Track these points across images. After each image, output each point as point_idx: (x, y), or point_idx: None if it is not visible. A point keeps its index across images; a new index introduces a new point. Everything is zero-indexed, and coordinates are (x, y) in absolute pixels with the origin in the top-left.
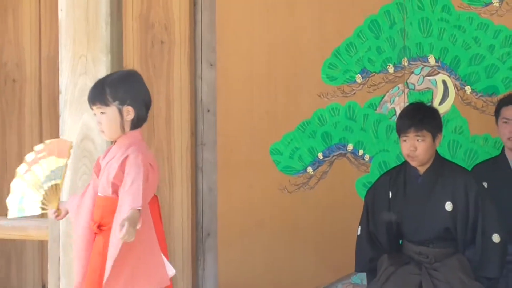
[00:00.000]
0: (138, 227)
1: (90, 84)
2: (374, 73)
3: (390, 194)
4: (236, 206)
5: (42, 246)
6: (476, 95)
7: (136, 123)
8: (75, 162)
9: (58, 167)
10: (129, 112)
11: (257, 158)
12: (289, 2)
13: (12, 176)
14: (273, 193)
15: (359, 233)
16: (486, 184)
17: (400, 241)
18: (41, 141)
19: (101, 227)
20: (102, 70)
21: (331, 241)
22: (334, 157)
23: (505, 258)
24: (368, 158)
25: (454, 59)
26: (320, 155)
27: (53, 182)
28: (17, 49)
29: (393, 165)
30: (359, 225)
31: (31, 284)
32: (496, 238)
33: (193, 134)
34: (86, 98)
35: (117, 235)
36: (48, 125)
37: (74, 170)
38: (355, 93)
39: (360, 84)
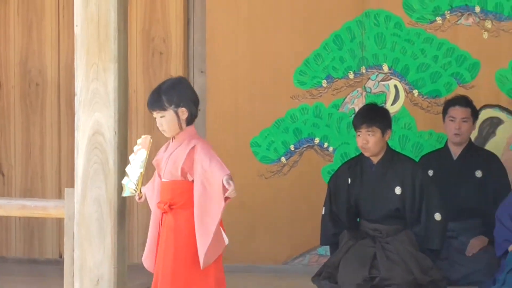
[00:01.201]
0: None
1: (101, 88)
2: (337, 79)
3: (349, 180)
4: None
5: (59, 222)
6: (422, 97)
7: (190, 120)
8: (87, 152)
9: (143, 159)
10: (184, 112)
11: (239, 150)
12: (267, 21)
13: (35, 164)
14: (252, 179)
15: (323, 212)
16: (432, 172)
17: (358, 219)
18: (59, 135)
19: (171, 206)
20: (110, 76)
21: (301, 219)
22: (304, 149)
23: (446, 233)
24: (332, 149)
25: (404, 67)
26: (292, 147)
27: (141, 170)
28: (39, 58)
29: (353, 155)
30: (324, 205)
31: (50, 254)
32: (438, 216)
33: None
34: (97, 99)
35: (212, 209)
36: (65, 122)
37: (87, 160)
38: (321, 95)
39: (325, 88)
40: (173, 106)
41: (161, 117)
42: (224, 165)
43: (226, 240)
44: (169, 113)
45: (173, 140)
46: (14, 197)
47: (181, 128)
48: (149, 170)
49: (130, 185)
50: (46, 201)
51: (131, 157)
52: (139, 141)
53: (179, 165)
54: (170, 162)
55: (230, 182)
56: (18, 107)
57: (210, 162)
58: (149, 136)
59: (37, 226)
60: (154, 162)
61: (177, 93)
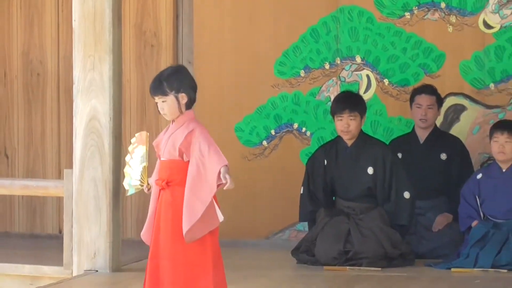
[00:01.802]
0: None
1: (97, 77)
2: (314, 69)
3: (326, 162)
4: None
5: (59, 201)
6: (392, 86)
7: (189, 105)
8: (85, 137)
9: (143, 153)
10: (184, 98)
11: (225, 134)
12: (249, 16)
13: (36, 147)
14: (237, 161)
15: (301, 191)
16: (401, 154)
17: (333, 198)
18: (59, 121)
19: (168, 183)
20: (106, 66)
21: (281, 198)
22: (283, 133)
23: (414, 210)
24: (309, 134)
25: (376, 58)
26: (273, 132)
27: (143, 164)
28: (40, 50)
29: (329, 139)
30: (302, 185)
31: (51, 230)
32: (406, 195)
33: None
34: (93, 88)
35: (202, 193)
36: (64, 109)
37: (84, 143)
38: (299, 84)
39: (303, 77)
40: (173, 91)
41: (162, 101)
42: (222, 154)
43: (221, 217)
44: (170, 98)
45: (173, 123)
46: (17, 178)
47: (181, 112)
48: (152, 164)
49: (133, 182)
50: (46, 181)
51: (127, 158)
52: (133, 140)
53: (177, 145)
54: (169, 142)
55: (227, 176)
56: (21, 95)
57: (209, 148)
58: (144, 132)
59: (38, 204)
60: (154, 143)
61: (177, 80)
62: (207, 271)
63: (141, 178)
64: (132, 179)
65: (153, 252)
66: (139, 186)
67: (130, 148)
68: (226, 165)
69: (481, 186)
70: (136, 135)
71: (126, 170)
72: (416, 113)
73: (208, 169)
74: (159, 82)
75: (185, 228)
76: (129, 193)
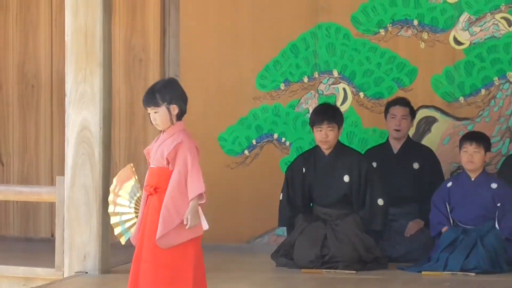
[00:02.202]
0: (202, 202)
1: (88, 89)
2: (293, 83)
3: (304, 170)
4: None
5: (51, 206)
6: (367, 99)
7: (180, 116)
8: (76, 145)
9: (132, 187)
10: (175, 109)
11: (209, 143)
12: (233, 32)
13: (30, 155)
14: (220, 169)
15: (281, 198)
16: (375, 163)
17: (311, 204)
18: (52, 130)
19: (156, 190)
20: (96, 79)
21: (262, 204)
22: (264, 143)
23: (387, 216)
24: (288, 143)
25: (352, 72)
26: (254, 142)
27: (137, 196)
28: (35, 63)
29: (307, 148)
30: (281, 192)
31: (43, 233)
32: (380, 202)
33: None
34: (85, 99)
35: (180, 206)
36: (57, 119)
37: (75, 152)
38: (279, 97)
39: (283, 90)
40: (165, 103)
41: (155, 112)
42: (201, 178)
43: (206, 226)
44: (162, 109)
45: (164, 133)
46: (12, 184)
47: (172, 122)
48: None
49: (127, 224)
50: (40, 187)
51: (111, 198)
52: (115, 180)
53: (165, 154)
54: (158, 151)
55: (188, 219)
56: (16, 105)
57: (191, 168)
58: (128, 166)
59: (32, 209)
60: (145, 151)
61: (169, 92)
62: (188, 275)
63: (135, 210)
64: (125, 223)
65: (136, 255)
66: (135, 218)
67: (112, 188)
68: (201, 194)
69: (451, 194)
70: (120, 172)
71: (114, 216)
72: (391, 124)
73: (188, 185)
74: (152, 94)
75: (157, 235)
76: (125, 240)
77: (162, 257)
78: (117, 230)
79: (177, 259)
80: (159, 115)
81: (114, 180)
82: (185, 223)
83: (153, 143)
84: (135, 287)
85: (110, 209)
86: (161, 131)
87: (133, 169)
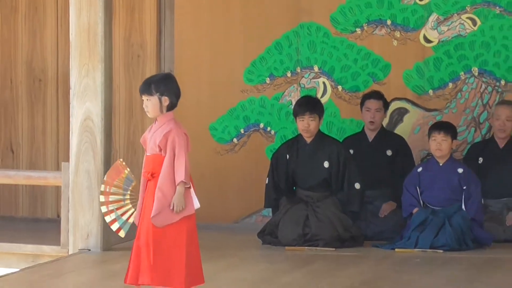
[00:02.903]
0: (187, 186)
1: (91, 83)
2: (278, 77)
3: (288, 156)
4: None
5: (57, 189)
6: (345, 92)
7: (170, 108)
8: (80, 134)
9: (125, 179)
10: (166, 101)
11: (201, 132)
12: (223, 31)
13: (38, 143)
14: (211, 156)
15: (267, 182)
16: (352, 151)
17: (294, 187)
18: (58, 121)
19: (153, 175)
20: (98, 74)
21: (249, 187)
22: (251, 132)
23: (363, 198)
24: (273, 132)
25: (331, 68)
26: (242, 131)
27: (131, 185)
28: (42, 59)
29: (290, 137)
30: (267, 176)
31: (50, 214)
32: (357, 185)
33: None
34: (88, 92)
35: (167, 188)
36: (62, 110)
37: (79, 140)
38: (265, 90)
39: (268, 84)
40: (158, 93)
41: (147, 100)
42: (184, 167)
43: (197, 205)
44: (154, 98)
45: (156, 122)
46: (21, 169)
47: (161, 112)
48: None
49: (125, 216)
50: (47, 172)
51: (105, 200)
52: (105, 178)
53: (157, 142)
54: (152, 139)
55: (174, 205)
56: (24, 98)
57: (177, 157)
58: (117, 162)
59: (39, 192)
60: (141, 140)
61: (163, 84)
62: (181, 251)
63: (131, 199)
64: (122, 216)
65: (138, 234)
66: (132, 208)
67: (102, 189)
68: (182, 181)
69: (421, 178)
70: (109, 171)
71: (108, 215)
72: (366, 116)
73: (175, 170)
74: (148, 83)
75: (152, 214)
76: (125, 232)
77: (160, 232)
78: (114, 227)
79: (171, 237)
80: (150, 103)
81: (105, 178)
82: (171, 208)
83: (147, 132)
84: (137, 263)
85: (103, 209)
86: (154, 121)
87: (123, 163)
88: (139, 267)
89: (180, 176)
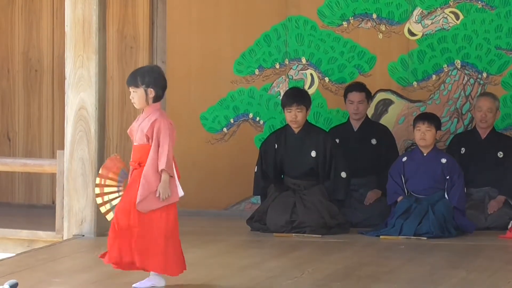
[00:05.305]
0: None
1: (85, 73)
2: (266, 68)
3: (276, 146)
4: (179, 151)
5: (52, 176)
6: (332, 83)
7: (156, 99)
8: (74, 123)
9: (119, 173)
10: (151, 92)
11: (192, 122)
12: (213, 24)
13: (34, 131)
14: (201, 145)
15: (255, 170)
16: (338, 140)
17: (282, 176)
18: (53, 110)
19: (140, 164)
20: (92, 64)
21: (238, 176)
22: (241, 122)
23: (349, 187)
24: (262, 122)
25: (318, 60)
26: (232, 120)
27: (126, 179)
28: (38, 50)
29: (278, 127)
30: (256, 165)
31: (45, 201)
32: (343, 174)
33: None
34: (82, 82)
35: (149, 176)
36: (58, 100)
37: (74, 129)
38: (254, 81)
39: (257, 75)
40: (144, 85)
41: (133, 91)
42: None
43: (181, 193)
44: (140, 90)
45: (142, 113)
46: (17, 157)
47: (147, 103)
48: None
49: (115, 202)
50: (42, 160)
51: (98, 201)
52: (101, 170)
53: (144, 132)
54: (139, 130)
55: (160, 193)
56: (21, 88)
57: (162, 145)
58: (114, 157)
59: (35, 179)
60: (128, 131)
61: (149, 77)
62: (160, 236)
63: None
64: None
65: (116, 218)
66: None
67: (98, 182)
68: (163, 170)
69: (406, 167)
70: (105, 163)
71: (103, 205)
72: (350, 108)
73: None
74: (134, 76)
75: (137, 200)
76: (111, 217)
77: (140, 219)
78: (109, 217)
79: (153, 221)
80: (136, 95)
81: (100, 171)
82: (156, 195)
83: (134, 123)
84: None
85: (98, 200)
86: (141, 111)
87: (117, 156)
88: (121, 249)
89: (161, 164)
